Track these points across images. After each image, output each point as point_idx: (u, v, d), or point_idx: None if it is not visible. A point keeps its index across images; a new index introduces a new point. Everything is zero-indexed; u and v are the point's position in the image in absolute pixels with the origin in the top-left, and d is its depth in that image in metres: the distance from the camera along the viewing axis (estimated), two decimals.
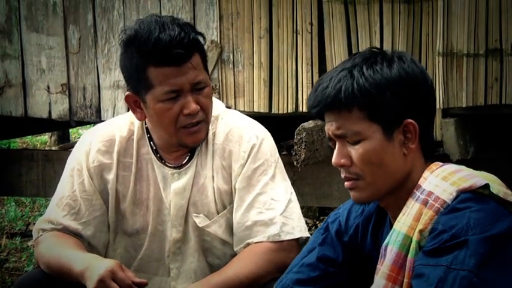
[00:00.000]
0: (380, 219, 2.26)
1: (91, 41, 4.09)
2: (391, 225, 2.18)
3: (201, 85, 2.55)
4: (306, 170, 3.62)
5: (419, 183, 2.09)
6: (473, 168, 3.54)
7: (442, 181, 2.05)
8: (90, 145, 2.69)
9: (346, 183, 2.13)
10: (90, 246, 2.69)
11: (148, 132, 2.68)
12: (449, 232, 1.93)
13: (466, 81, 3.46)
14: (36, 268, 2.96)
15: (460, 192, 2.00)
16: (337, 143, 2.10)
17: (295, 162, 3.43)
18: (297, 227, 2.61)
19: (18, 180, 4.45)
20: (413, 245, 2.02)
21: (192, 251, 2.68)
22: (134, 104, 2.60)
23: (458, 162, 3.37)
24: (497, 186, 2.05)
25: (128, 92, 2.61)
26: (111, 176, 2.68)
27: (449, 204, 1.99)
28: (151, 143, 2.68)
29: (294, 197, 2.68)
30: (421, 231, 2.01)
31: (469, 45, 3.46)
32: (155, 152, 2.68)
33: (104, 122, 2.83)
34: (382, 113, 2.04)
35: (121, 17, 4.00)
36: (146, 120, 2.64)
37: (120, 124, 2.72)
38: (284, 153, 3.93)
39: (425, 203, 2.03)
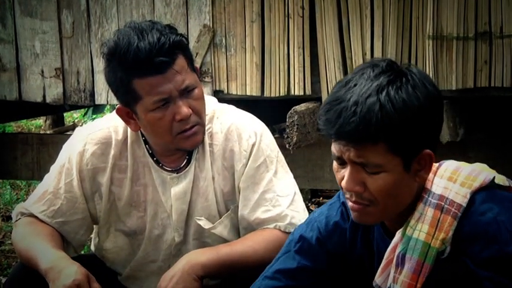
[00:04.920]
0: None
1: (84, 25, 4.09)
2: (384, 229, 2.19)
3: (190, 88, 2.50)
4: (298, 152, 3.65)
5: (425, 186, 2.08)
6: (463, 150, 3.60)
7: (450, 182, 2.05)
8: (84, 146, 2.65)
9: (354, 207, 2.07)
10: (65, 242, 2.67)
11: (143, 135, 2.64)
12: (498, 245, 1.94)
13: (455, 64, 3.48)
14: None
15: (474, 193, 2.02)
16: (349, 167, 2.03)
17: (287, 145, 3.45)
18: (302, 219, 2.60)
19: (14, 164, 4.47)
20: (431, 252, 2.03)
21: None
22: (127, 115, 2.57)
23: (448, 144, 3.42)
24: (496, 175, 2.09)
25: (118, 105, 2.57)
26: (104, 179, 2.65)
27: (465, 207, 2.01)
28: (147, 146, 2.65)
29: (297, 189, 2.69)
30: (443, 240, 2.01)
31: (458, 28, 3.48)
32: (151, 155, 2.65)
33: (100, 120, 2.79)
34: (405, 146, 1.98)
35: (114, 1, 4.00)
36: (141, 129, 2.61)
37: (116, 125, 2.67)
38: (276, 136, 3.95)
39: (440, 208, 2.03)
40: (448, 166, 2.11)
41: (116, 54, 2.46)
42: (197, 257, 2.48)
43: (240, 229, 2.66)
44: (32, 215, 2.65)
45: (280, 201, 2.61)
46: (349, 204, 2.09)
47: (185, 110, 2.48)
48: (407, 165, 2.01)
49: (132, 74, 2.45)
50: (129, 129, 2.64)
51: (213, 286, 2.64)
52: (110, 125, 2.68)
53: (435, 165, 2.11)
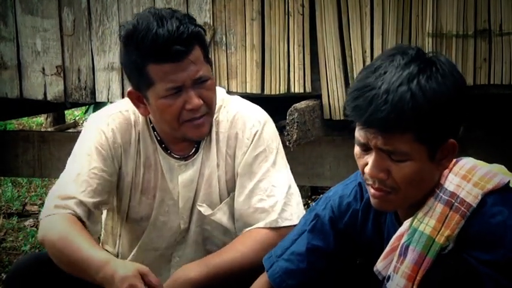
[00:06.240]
0: None
1: (85, 23, 4.10)
2: (395, 214, 2.20)
3: (203, 78, 2.50)
4: (298, 149, 3.66)
5: (439, 181, 2.08)
6: (462, 147, 3.60)
7: (463, 181, 2.05)
8: (108, 125, 2.63)
9: (376, 194, 2.08)
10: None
11: (151, 122, 2.66)
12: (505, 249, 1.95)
13: (455, 61, 3.48)
14: (32, 249, 2.93)
15: (485, 195, 2.02)
16: (374, 154, 2.03)
17: (287, 143, 3.46)
18: (295, 213, 2.62)
19: (15, 161, 4.48)
20: (435, 247, 2.03)
21: (193, 239, 2.70)
22: (137, 99, 2.57)
23: None
24: None
25: (130, 88, 2.57)
26: (128, 160, 2.65)
27: (475, 208, 2.01)
28: (155, 133, 2.66)
29: (293, 182, 2.70)
30: (448, 237, 2.02)
31: (458, 26, 3.49)
32: (160, 142, 2.66)
33: (116, 103, 2.78)
34: (433, 135, 1.99)
35: None
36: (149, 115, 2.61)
37: (134, 110, 2.66)
38: None
39: (449, 205, 2.03)
40: (465, 164, 2.10)
41: (133, 38, 2.45)
42: (186, 273, 2.47)
43: (234, 220, 2.68)
44: (67, 207, 2.53)
45: (274, 192, 2.62)
46: (371, 191, 2.09)
47: (196, 100, 2.49)
48: (432, 154, 2.01)
49: (148, 60, 2.45)
50: (140, 115, 2.65)
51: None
52: (129, 107, 2.67)
53: (452, 161, 2.11)
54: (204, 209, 2.67)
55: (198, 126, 2.55)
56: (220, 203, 2.68)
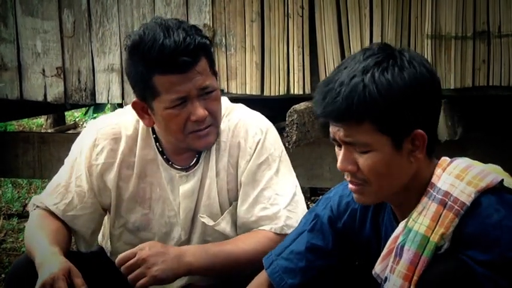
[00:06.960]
0: (378, 205, 2.27)
1: (85, 24, 4.11)
2: (394, 214, 2.21)
3: (209, 89, 2.50)
4: (298, 151, 3.66)
5: (432, 181, 2.09)
6: (461, 148, 3.62)
7: (457, 180, 2.05)
8: (95, 141, 2.66)
9: (351, 187, 2.12)
10: (77, 237, 2.70)
11: (154, 132, 2.65)
12: (501, 248, 1.95)
13: (454, 63, 3.50)
14: None
15: (479, 193, 2.02)
16: (342, 148, 2.08)
17: (286, 144, 3.45)
18: (299, 221, 2.57)
19: (15, 162, 4.49)
20: (430, 246, 2.03)
21: None
22: (142, 110, 2.56)
23: (446, 143, 3.44)
24: (506, 178, 2.08)
25: (134, 99, 2.57)
26: (112, 175, 2.65)
27: (468, 206, 2.01)
28: (157, 144, 2.65)
29: (298, 190, 2.69)
30: (442, 235, 2.02)
31: (457, 27, 3.49)
32: (161, 153, 2.65)
33: (112, 114, 2.79)
34: (393, 126, 2.01)
35: (115, 1, 4.03)
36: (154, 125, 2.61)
37: (127, 121, 2.67)
38: None
39: (443, 204, 2.04)
40: (459, 164, 2.11)
41: (139, 49, 2.45)
42: (187, 256, 2.48)
43: (237, 226, 2.67)
44: (45, 208, 2.66)
45: (278, 200, 2.62)
46: (350, 187, 2.13)
47: (201, 111, 2.49)
48: (398, 145, 2.03)
49: (154, 70, 2.44)
50: (140, 126, 2.65)
51: (208, 287, 2.66)
52: (120, 121, 2.68)
53: (446, 161, 2.12)
54: (207, 220, 2.65)
55: (203, 136, 2.55)
56: (221, 213, 2.67)
